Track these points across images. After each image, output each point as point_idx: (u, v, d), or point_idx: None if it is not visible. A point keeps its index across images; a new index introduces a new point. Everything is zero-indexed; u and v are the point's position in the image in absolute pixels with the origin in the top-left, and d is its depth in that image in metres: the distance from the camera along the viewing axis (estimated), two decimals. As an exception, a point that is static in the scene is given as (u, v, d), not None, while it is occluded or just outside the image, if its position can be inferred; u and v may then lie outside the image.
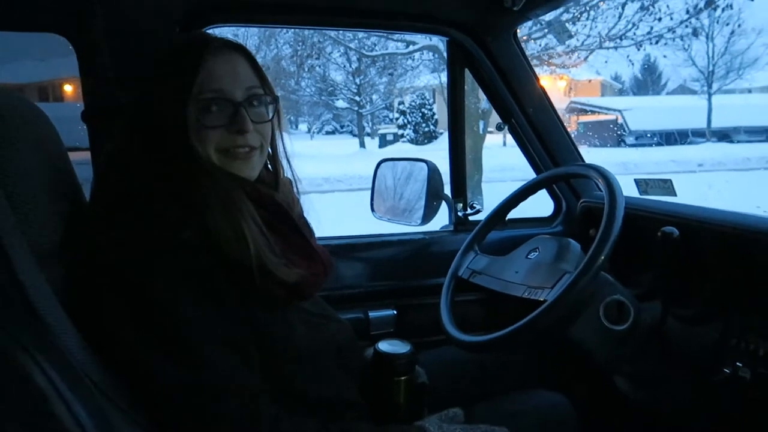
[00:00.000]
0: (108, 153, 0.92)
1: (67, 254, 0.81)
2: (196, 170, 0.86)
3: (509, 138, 1.74)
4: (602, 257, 1.04)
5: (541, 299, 1.10)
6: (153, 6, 1.26)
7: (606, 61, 11.28)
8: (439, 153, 2.41)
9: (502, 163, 9.43)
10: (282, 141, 1.02)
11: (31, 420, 0.56)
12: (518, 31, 1.62)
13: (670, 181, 1.56)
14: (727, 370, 1.09)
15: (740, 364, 1.07)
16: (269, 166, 1.04)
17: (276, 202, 0.95)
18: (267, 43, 14.98)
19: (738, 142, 19.28)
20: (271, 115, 0.96)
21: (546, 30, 8.40)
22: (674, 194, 1.53)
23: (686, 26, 9.71)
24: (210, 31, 1.34)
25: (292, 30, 11.61)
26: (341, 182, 12.08)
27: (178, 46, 0.95)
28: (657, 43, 9.57)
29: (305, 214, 1.07)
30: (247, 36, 13.72)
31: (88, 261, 0.79)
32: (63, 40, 1.22)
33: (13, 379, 0.57)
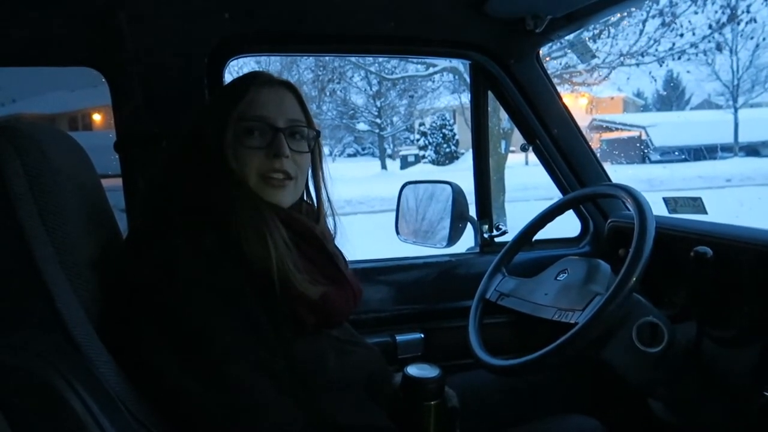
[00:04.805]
0: (150, 179, 0.95)
1: (103, 282, 0.82)
2: (231, 188, 0.89)
3: (531, 157, 1.73)
4: (634, 278, 1.02)
5: (572, 322, 1.09)
6: (181, 38, 1.30)
7: (628, 78, 11.21)
8: (461, 174, 2.40)
9: (525, 182, 9.37)
10: (323, 177, 1.04)
11: None
12: (540, 51, 1.62)
13: (700, 198, 1.53)
14: None
15: None
16: (313, 200, 1.06)
17: (309, 229, 0.97)
18: (288, 69, 15.22)
19: (767, 156, 18.85)
20: (310, 148, 0.98)
21: (567, 49, 8.38)
22: (705, 212, 1.50)
23: (709, 41, 9.60)
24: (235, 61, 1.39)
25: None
26: (363, 204, 12.09)
27: (232, 81, 0.99)
28: (680, 58, 9.47)
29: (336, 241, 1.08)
30: (269, 63, 13.98)
31: (123, 285, 0.81)
32: (92, 72, 1.26)
33: (51, 405, 0.59)
